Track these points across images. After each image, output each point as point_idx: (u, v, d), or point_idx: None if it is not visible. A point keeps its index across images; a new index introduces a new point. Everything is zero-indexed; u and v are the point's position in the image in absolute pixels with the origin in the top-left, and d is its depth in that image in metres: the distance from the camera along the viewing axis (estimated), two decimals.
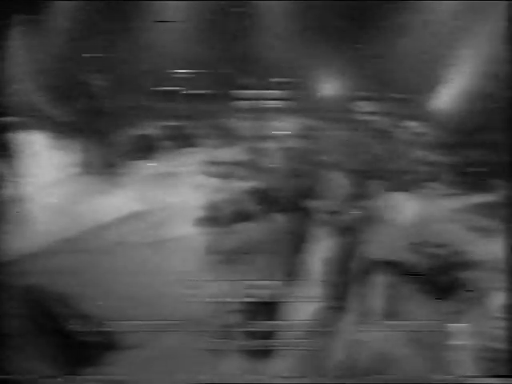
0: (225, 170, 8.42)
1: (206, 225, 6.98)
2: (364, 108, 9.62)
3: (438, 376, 5.24)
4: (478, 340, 5.24)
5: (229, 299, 5.66)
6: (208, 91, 10.16)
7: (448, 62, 8.88)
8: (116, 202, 7.93)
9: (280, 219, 5.43)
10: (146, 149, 9.58)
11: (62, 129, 9.47)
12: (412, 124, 9.16)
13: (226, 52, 10.17)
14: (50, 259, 6.48)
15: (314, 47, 9.56)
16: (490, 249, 7.05)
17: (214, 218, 6.92)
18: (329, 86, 9.80)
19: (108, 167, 8.93)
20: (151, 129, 9.96)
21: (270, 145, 9.21)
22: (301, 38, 9.60)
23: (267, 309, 5.40)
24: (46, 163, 8.74)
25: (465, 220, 7.84)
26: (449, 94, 9.00)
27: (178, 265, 6.43)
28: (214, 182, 8.23)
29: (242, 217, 6.57)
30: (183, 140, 9.90)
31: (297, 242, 5.70)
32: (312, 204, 6.45)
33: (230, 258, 6.28)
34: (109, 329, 5.46)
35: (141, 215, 7.60)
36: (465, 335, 5.35)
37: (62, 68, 9.48)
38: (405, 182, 8.72)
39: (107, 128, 9.21)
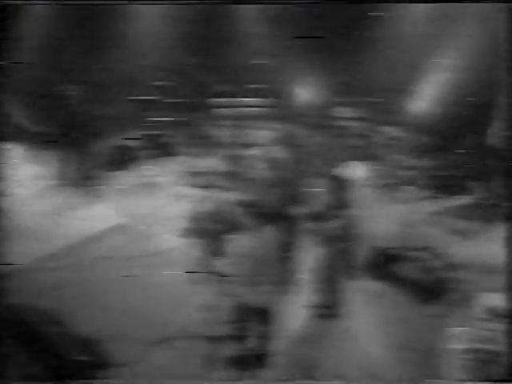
0: (207, 181, 8.37)
1: (192, 236, 6.93)
2: (342, 114, 9.71)
3: (433, 380, 5.27)
4: (468, 343, 5.29)
5: (219, 309, 5.62)
6: (186, 100, 10.11)
7: (425, 68, 9.02)
8: (97, 215, 7.81)
9: (266, 229, 5.37)
10: (124, 159, 9.47)
11: (39, 140, 9.30)
12: (389, 129, 9.29)
13: (205, 59, 10.11)
14: (32, 277, 6.33)
15: (293, 54, 9.62)
16: (472, 251, 7.18)
17: (200, 229, 6.87)
18: (307, 93, 9.85)
19: (87, 179, 8.78)
20: (129, 138, 9.85)
21: (251, 153, 9.19)
22: (279, 45, 9.63)
23: (258, 317, 5.36)
24: (22, 176, 8.55)
25: (444, 223, 7.98)
26: (425, 99, 9.14)
27: (166, 278, 6.38)
28: (197, 192, 8.19)
29: (228, 228, 6.53)
30: (162, 149, 9.81)
31: (284, 252, 5.67)
32: (296, 213, 6.44)
33: (219, 268, 6.25)
34: (98, 347, 5.35)
35: (124, 228, 7.50)
36: (455, 338, 5.41)
37: (37, 77, 9.31)
38: (382, 186, 8.83)
39: (85, 139, 9.05)
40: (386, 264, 7.07)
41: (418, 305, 6.47)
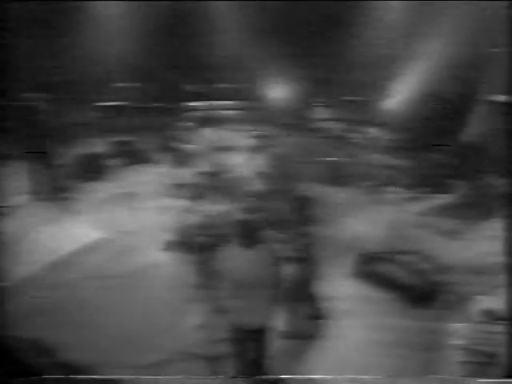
0: (187, 191, 8.10)
1: (176, 251, 6.68)
2: (320, 114, 9.58)
3: (432, 377, 5.22)
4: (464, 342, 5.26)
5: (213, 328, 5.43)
6: (158, 104, 9.78)
7: (404, 66, 8.94)
8: (73, 231, 7.40)
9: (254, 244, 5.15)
10: (95, 168, 9.08)
11: (4, 154, 8.83)
12: (368, 128, 9.19)
13: (175, 59, 9.75)
14: (11, 302, 5.93)
15: (267, 52, 9.37)
16: (459, 251, 7.15)
17: (186, 243, 6.62)
18: (283, 93, 9.62)
19: (58, 192, 8.33)
20: (99, 146, 9.46)
21: (227, 159, 8.96)
22: (254, 42, 9.36)
23: (252, 336, 5.15)
24: None
25: (429, 223, 7.95)
26: (405, 97, 9.07)
27: (153, 296, 6.09)
28: (179, 203, 7.91)
29: (215, 242, 6.31)
30: (134, 157, 9.47)
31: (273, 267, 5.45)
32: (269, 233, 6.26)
33: (207, 284, 6.03)
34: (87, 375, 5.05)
35: (103, 244, 7.12)
36: (452, 337, 5.38)
37: None
38: (365, 187, 8.76)
39: (53, 149, 8.55)
40: (374, 268, 6.95)
41: (410, 309, 6.36)
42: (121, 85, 9.87)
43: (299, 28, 9.17)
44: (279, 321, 5.23)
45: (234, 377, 5.07)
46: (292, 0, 9.02)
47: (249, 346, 5.02)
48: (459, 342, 5.34)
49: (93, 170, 9.00)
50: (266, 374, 5.03)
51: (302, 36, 9.17)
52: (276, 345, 5.10)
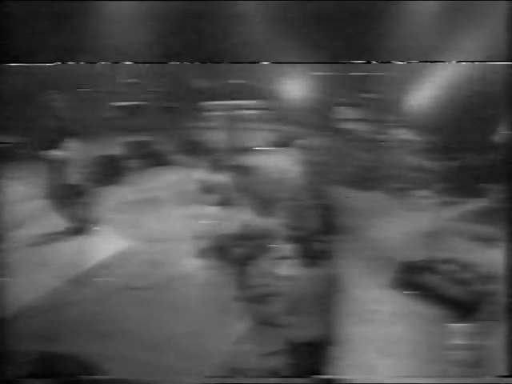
0: (208, 195, 7.84)
1: (211, 260, 6.41)
2: (348, 115, 9.29)
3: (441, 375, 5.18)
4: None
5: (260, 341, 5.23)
6: (179, 104, 9.47)
7: (437, 65, 8.65)
8: (98, 240, 7.08)
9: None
10: (115, 171, 8.74)
11: (20, 156, 8.49)
12: (400, 130, 8.91)
13: (194, 57, 9.43)
14: (44, 316, 5.64)
15: (293, 50, 9.07)
16: (498, 259, 6.92)
17: (219, 252, 6.37)
18: (310, 93, 9.29)
19: (78, 196, 7.97)
20: (117, 148, 9.11)
21: (250, 160, 8.70)
22: (278, 40, 9.06)
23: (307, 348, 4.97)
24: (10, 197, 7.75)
25: (464, 230, 7.72)
26: (436, 98, 8.80)
27: (189, 307, 5.82)
28: (201, 208, 7.65)
29: (249, 254, 6.12)
30: (154, 159, 9.16)
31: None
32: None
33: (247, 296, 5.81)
34: None
35: (131, 254, 6.80)
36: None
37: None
38: (396, 191, 8.51)
39: (71, 151, 8.21)
40: (414, 277, 6.73)
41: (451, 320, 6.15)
42: (138, 84, 9.55)
43: (326, 22, 8.81)
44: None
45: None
46: None
47: (302, 358, 4.78)
48: None
49: (112, 172, 8.67)
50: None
51: (329, 30, 8.79)
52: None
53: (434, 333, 5.80)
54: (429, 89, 8.75)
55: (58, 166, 8.11)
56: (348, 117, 9.32)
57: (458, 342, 5.58)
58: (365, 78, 8.94)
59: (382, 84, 9.07)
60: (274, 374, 5.03)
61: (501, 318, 5.90)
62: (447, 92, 8.64)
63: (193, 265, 6.53)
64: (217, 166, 8.49)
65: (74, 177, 8.10)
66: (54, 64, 8.44)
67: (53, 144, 8.05)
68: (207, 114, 9.31)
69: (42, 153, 7.93)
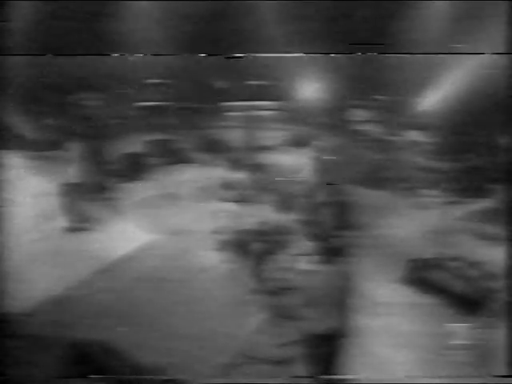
0: (228, 191, 8.16)
1: (231, 253, 6.74)
2: (359, 116, 9.58)
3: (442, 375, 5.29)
4: None
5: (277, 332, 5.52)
6: (199, 104, 9.79)
7: (445, 65, 8.89)
8: (124, 233, 7.43)
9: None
10: (137, 168, 9.10)
11: (43, 149, 8.87)
12: (409, 131, 9.19)
13: (214, 58, 9.72)
14: (70, 307, 5.94)
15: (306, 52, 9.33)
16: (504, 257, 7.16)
17: (238, 246, 6.71)
18: (325, 94, 9.58)
19: (102, 191, 8.36)
20: (139, 145, 9.46)
21: (267, 159, 9.01)
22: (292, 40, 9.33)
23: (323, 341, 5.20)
24: (32, 191, 8.13)
25: (472, 228, 7.98)
26: (444, 99, 9.03)
27: (212, 299, 6.12)
28: (221, 204, 7.98)
29: (273, 246, 6.42)
30: (175, 156, 9.50)
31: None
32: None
33: (265, 289, 6.13)
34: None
35: (153, 247, 7.14)
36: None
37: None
38: (405, 190, 8.78)
39: (98, 148, 8.58)
40: (424, 274, 6.98)
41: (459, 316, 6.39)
42: (161, 85, 9.90)
43: (341, 24, 9.11)
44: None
45: (300, 377, 5.11)
46: None
47: (318, 350, 5.07)
48: None
49: (135, 169, 9.04)
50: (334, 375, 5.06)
51: (344, 32, 9.08)
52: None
53: (438, 329, 5.98)
54: (437, 92, 9.03)
55: (83, 162, 8.50)
56: (361, 118, 9.60)
57: (461, 341, 5.76)
58: (376, 80, 9.23)
59: (393, 86, 9.34)
60: (288, 363, 5.31)
61: (502, 316, 6.07)
62: (456, 95, 8.91)
63: (213, 258, 6.84)
64: (236, 164, 8.83)
65: (98, 173, 8.54)
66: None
67: (80, 140, 8.43)
68: (227, 113, 9.68)
69: (70, 148, 8.34)
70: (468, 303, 6.51)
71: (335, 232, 6.99)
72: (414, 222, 8.13)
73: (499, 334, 5.81)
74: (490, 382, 5.30)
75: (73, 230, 7.52)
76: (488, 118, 8.72)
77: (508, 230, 7.04)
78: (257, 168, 8.67)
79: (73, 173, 8.21)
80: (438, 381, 5.24)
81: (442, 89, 9.11)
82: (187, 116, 9.82)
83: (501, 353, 5.60)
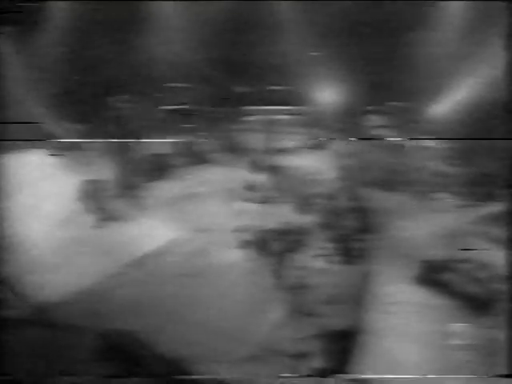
0: (250, 191, 8.51)
1: (253, 251, 7.11)
2: (375, 121, 9.87)
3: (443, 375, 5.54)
4: None
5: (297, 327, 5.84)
6: (221, 108, 10.14)
7: (458, 72, 9.14)
8: (150, 230, 7.86)
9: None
10: (162, 168, 9.51)
11: (79, 150, 9.30)
12: (422, 136, 9.44)
13: (237, 64, 10.07)
14: (94, 300, 6.37)
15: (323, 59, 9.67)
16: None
17: (260, 244, 7.06)
18: (343, 99, 9.86)
19: (129, 189, 8.80)
20: (164, 146, 9.85)
21: (285, 161, 9.33)
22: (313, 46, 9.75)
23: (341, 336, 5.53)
24: (64, 188, 8.55)
25: (482, 231, 8.24)
26: (458, 105, 9.22)
27: (232, 294, 6.51)
28: (243, 204, 8.35)
29: (288, 248, 6.77)
30: (199, 157, 9.89)
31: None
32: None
33: (284, 285, 6.46)
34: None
35: (179, 243, 7.54)
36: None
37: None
38: (418, 194, 9.04)
39: (127, 147, 9.04)
40: (436, 275, 7.23)
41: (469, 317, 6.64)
42: (186, 89, 10.28)
43: (360, 30, 9.39)
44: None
45: (320, 376, 5.43)
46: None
47: (336, 345, 5.41)
48: None
49: (162, 169, 9.46)
50: (351, 373, 5.35)
51: (363, 38, 9.37)
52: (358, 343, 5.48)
53: (448, 328, 6.28)
54: (451, 99, 9.27)
55: (113, 161, 8.97)
56: (377, 123, 9.88)
57: (469, 341, 6.06)
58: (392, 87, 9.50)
59: (408, 93, 9.61)
60: (307, 356, 5.60)
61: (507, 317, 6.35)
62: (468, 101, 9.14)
63: (235, 255, 7.22)
64: (258, 166, 9.20)
65: (127, 172, 8.99)
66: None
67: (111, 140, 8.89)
68: (249, 117, 10.06)
69: (101, 148, 8.79)
70: (477, 304, 6.79)
71: (353, 233, 7.28)
72: (426, 224, 8.40)
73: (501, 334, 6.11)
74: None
75: (103, 225, 7.96)
76: (500, 124, 8.92)
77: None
78: (277, 170, 9.04)
79: (103, 171, 8.68)
80: (447, 378, 5.54)
81: (456, 95, 9.35)
82: (211, 119, 10.18)
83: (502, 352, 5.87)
